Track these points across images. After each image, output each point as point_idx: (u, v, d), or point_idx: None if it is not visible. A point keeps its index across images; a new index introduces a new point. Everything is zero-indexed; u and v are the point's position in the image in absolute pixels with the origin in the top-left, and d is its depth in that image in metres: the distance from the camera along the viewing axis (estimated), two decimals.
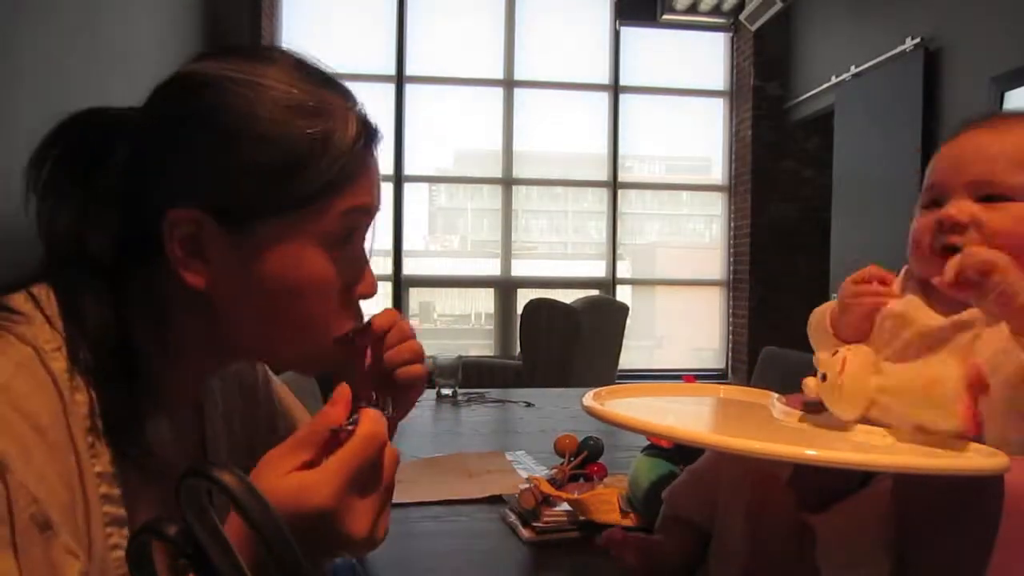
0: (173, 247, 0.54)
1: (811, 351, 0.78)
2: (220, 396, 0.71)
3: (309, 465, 0.48)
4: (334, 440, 0.49)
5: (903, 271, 0.77)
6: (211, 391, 0.69)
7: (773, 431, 0.70)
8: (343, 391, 0.51)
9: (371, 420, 0.50)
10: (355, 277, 0.60)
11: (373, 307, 0.67)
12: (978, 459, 0.54)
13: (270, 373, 0.80)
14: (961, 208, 0.68)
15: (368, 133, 0.60)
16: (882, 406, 0.63)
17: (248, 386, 0.76)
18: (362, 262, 0.61)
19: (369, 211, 0.60)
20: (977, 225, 0.67)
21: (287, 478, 0.47)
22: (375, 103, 6.21)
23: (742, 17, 5.15)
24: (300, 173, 0.55)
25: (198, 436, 0.67)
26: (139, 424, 0.55)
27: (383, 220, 5.45)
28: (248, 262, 0.55)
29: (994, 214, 0.67)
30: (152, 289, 0.57)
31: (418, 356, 0.69)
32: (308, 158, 0.55)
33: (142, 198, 0.56)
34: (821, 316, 0.79)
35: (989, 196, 0.68)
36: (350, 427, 0.49)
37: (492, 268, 5.80)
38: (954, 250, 0.66)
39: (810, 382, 0.68)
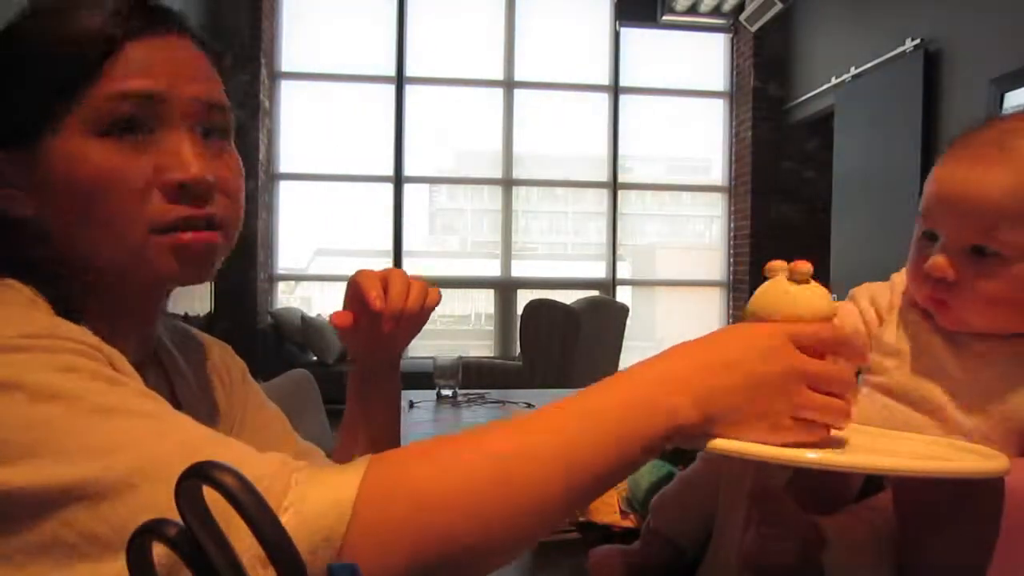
0: None
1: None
2: (184, 361, 0.70)
3: None
4: None
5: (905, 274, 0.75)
6: (168, 352, 0.69)
7: None
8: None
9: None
10: (162, 163, 0.57)
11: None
12: (979, 461, 0.54)
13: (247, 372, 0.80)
14: (946, 266, 0.64)
15: (134, 13, 0.57)
16: None
17: (198, 351, 0.75)
18: (171, 148, 0.57)
19: (149, 95, 0.56)
20: (966, 287, 0.63)
21: None
22: (375, 103, 6.16)
23: (742, 18, 5.15)
24: (45, 72, 0.55)
25: (169, 394, 0.66)
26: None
27: (383, 220, 5.46)
28: (46, 176, 0.55)
29: (988, 283, 0.62)
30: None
31: (422, 294, 0.73)
32: (47, 55, 0.55)
33: None
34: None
35: (980, 248, 0.62)
36: None
37: (492, 269, 5.80)
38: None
39: None
